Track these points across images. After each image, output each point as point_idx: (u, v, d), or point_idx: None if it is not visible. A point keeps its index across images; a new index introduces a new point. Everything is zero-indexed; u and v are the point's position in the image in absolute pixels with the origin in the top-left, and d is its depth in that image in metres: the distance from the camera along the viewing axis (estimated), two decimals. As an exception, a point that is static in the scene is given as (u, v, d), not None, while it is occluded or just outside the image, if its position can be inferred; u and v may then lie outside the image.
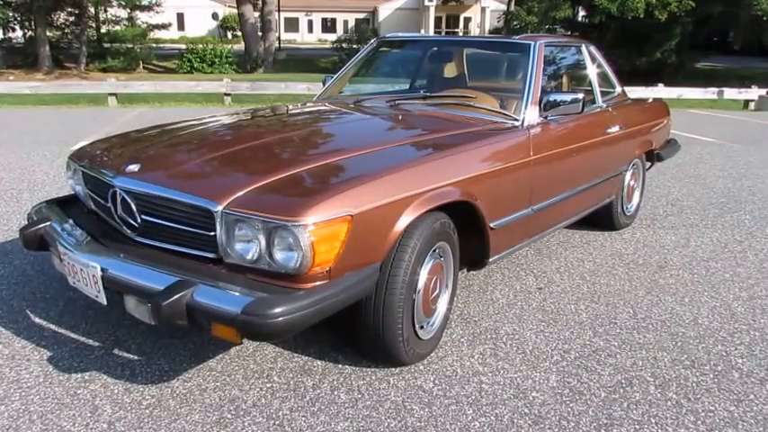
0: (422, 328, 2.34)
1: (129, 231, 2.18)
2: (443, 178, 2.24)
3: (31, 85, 12.99)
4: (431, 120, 2.94)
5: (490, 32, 34.55)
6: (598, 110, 3.63)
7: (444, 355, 2.43)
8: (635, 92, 13.42)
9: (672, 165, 6.50)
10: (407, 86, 3.92)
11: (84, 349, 2.42)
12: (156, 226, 2.08)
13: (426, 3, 37.38)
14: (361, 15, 45.31)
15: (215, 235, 1.90)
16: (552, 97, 2.92)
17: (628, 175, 4.03)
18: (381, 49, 3.91)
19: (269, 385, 2.20)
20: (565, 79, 3.67)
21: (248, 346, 2.46)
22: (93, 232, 2.28)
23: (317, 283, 1.86)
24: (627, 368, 2.39)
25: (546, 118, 2.96)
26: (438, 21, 43.12)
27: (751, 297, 3.13)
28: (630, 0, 19.08)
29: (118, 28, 23.16)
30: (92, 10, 22.13)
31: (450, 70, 3.70)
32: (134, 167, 2.16)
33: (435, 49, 3.90)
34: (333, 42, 26.78)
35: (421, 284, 2.23)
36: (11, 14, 21.46)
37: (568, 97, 2.90)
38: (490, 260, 2.67)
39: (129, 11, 22.78)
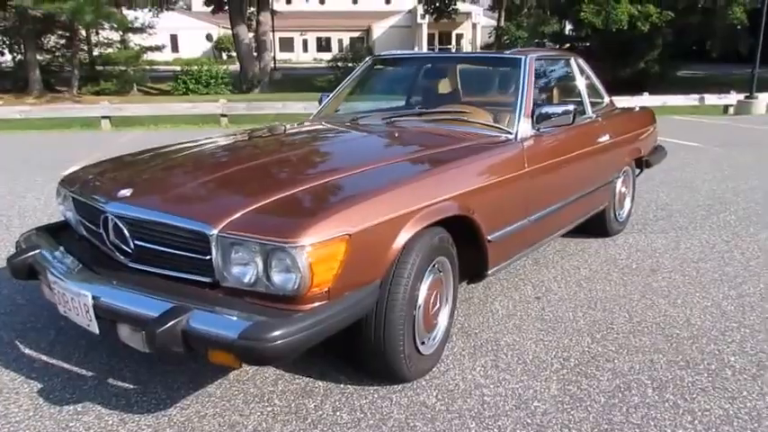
0: (423, 343, 2.40)
1: (122, 257, 2.20)
2: (440, 193, 2.31)
3: (21, 109, 12.95)
4: (426, 136, 3.02)
5: (482, 47, 35.00)
6: (588, 120, 3.74)
7: (446, 369, 2.50)
8: (622, 101, 13.64)
9: (659, 170, 6.61)
10: (403, 103, 4.02)
11: (76, 380, 2.40)
12: (149, 251, 2.10)
13: (419, 20, 37.93)
14: (356, 34, 45.77)
15: (211, 259, 1.92)
16: (544, 110, 3.01)
17: (619, 183, 4.13)
18: (376, 67, 4.01)
19: (269, 409, 2.23)
20: (555, 91, 3.78)
21: (248, 370, 2.50)
22: (84, 259, 2.28)
23: (317, 303, 1.89)
24: (625, 372, 2.46)
25: (538, 130, 3.05)
26: (431, 37, 43.66)
27: (740, 295, 3.22)
28: (614, 13, 19.49)
29: (111, 50, 23.16)
30: (83, 33, 22.15)
31: (443, 86, 3.80)
32: (126, 192, 2.19)
33: (429, 65, 4.00)
34: (328, 61, 26.96)
35: (421, 300, 2.30)
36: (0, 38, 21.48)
37: (560, 109, 3.00)
38: (489, 272, 2.74)
39: (121, 33, 22.83)
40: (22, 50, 21.49)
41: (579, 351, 2.64)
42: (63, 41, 22.30)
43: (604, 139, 3.67)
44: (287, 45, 42.11)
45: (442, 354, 2.57)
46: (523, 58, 3.26)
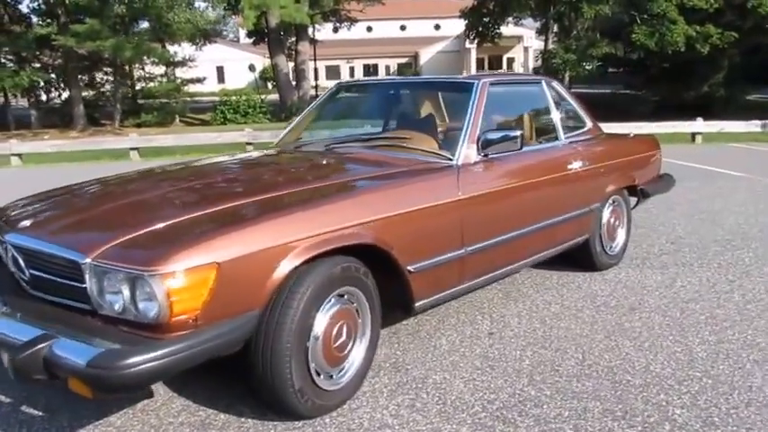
0: (330, 377, 2.28)
1: (25, 285, 2.24)
2: (339, 222, 2.21)
3: (53, 143, 13.73)
4: (357, 162, 2.94)
5: (533, 71, 34.51)
6: (559, 146, 3.54)
7: (358, 407, 2.35)
8: (665, 128, 13.05)
9: (684, 200, 6.23)
10: (364, 128, 3.97)
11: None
12: (41, 279, 2.13)
13: (467, 45, 37.87)
14: (403, 60, 46.05)
15: (86, 287, 1.93)
16: (489, 135, 2.88)
17: (606, 213, 3.87)
18: (340, 94, 3.97)
19: (161, 441, 2.17)
20: (523, 117, 3.60)
21: (157, 400, 2.45)
22: (3, 289, 2.32)
23: (183, 332, 1.85)
24: (549, 420, 2.24)
25: (486, 156, 2.91)
26: (480, 62, 43.42)
27: (719, 341, 2.90)
28: (669, 34, 18.72)
29: (153, 84, 24.20)
30: (126, 68, 23.25)
31: (402, 111, 3.73)
32: (26, 223, 2.25)
33: (388, 91, 3.95)
34: None
35: (318, 331, 2.18)
36: (46, 76, 22.62)
37: (505, 134, 2.86)
38: (418, 305, 2.59)
39: (165, 67, 23.87)
40: (68, 88, 22.63)
41: (509, 393, 2.43)
42: (107, 77, 23.40)
43: (576, 165, 3.45)
44: (333, 73, 42.59)
45: (358, 389, 2.43)
46: (476, 82, 3.13)
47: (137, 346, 1.79)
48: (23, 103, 24.16)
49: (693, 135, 13.19)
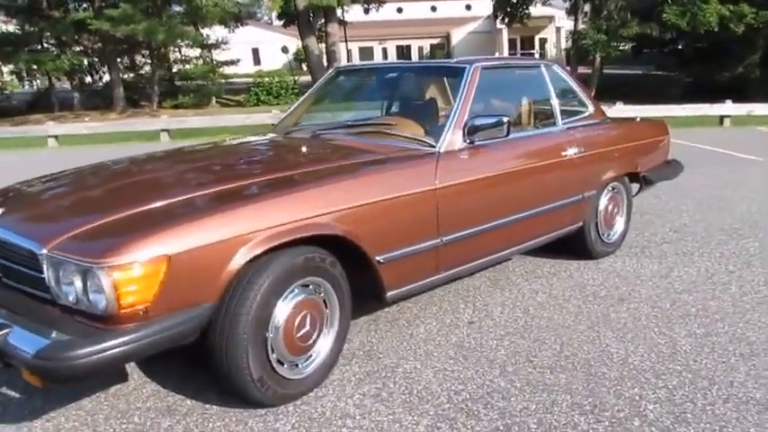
0: (295, 367, 2.28)
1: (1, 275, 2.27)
2: (300, 213, 2.18)
3: (88, 125, 14.18)
4: (337, 150, 2.90)
5: (565, 52, 33.76)
6: (555, 132, 3.45)
7: (323, 395, 2.34)
8: (693, 110, 12.67)
9: (697, 186, 6.04)
10: (359, 113, 3.91)
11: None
12: (9, 269, 2.16)
13: (498, 26, 37.19)
14: (436, 41, 45.49)
15: (44, 278, 1.95)
16: (476, 122, 2.81)
17: (603, 200, 3.77)
18: (340, 78, 3.92)
19: (124, 426, 2.18)
20: (523, 102, 3.51)
21: (129, 384, 2.48)
22: None
23: (133, 324, 1.86)
24: (514, 413, 2.20)
25: (472, 143, 2.84)
26: (512, 43, 42.58)
27: (707, 334, 2.81)
28: (701, 14, 18.11)
29: (189, 66, 24.48)
30: (162, 51, 23.58)
31: (398, 96, 3.66)
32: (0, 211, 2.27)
33: (386, 76, 3.88)
34: None
35: (280, 322, 2.17)
36: (86, 61, 23.28)
37: (492, 120, 2.79)
38: (390, 294, 2.56)
39: (200, 50, 24.10)
40: (108, 71, 23.20)
41: (478, 385, 2.39)
42: (145, 60, 23.83)
43: (570, 152, 3.35)
44: (367, 54, 42.26)
45: (326, 378, 2.42)
46: (467, 67, 3.06)
47: (86, 337, 1.81)
48: (67, 85, 24.71)
49: (721, 118, 12.78)
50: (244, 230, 2.03)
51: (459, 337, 2.81)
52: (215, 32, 24.36)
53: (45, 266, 1.93)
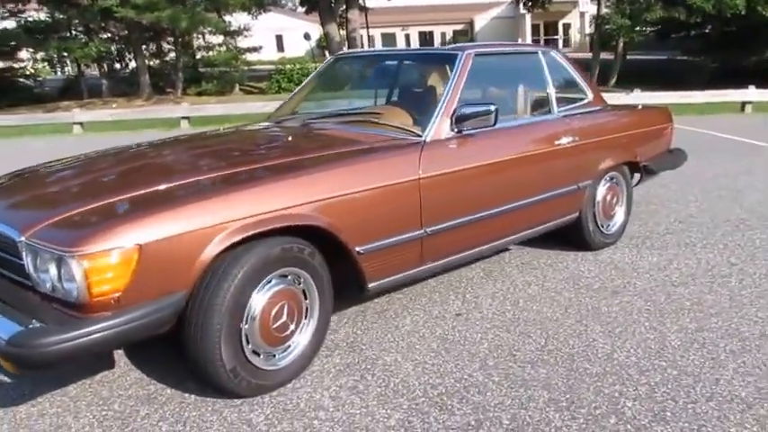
0: (272, 357, 2.28)
1: None
2: (276, 203, 2.17)
3: (112, 112, 14.37)
4: (322, 140, 2.89)
5: (588, 37, 33.12)
6: (549, 120, 3.38)
7: (301, 386, 2.35)
8: (715, 96, 12.33)
9: (708, 175, 5.91)
10: (357, 102, 3.89)
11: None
12: (1, 258, 2.19)
13: (522, 11, 36.66)
14: (459, 27, 44.97)
15: (24, 265, 1.98)
16: (463, 110, 2.77)
17: (601, 190, 3.70)
18: (338, 65, 3.90)
19: (104, 413, 2.22)
20: (518, 90, 3.45)
21: (115, 371, 2.51)
22: None
23: (105, 312, 1.88)
24: (488, 408, 2.18)
25: (460, 132, 2.80)
26: (535, 29, 41.91)
27: (699, 329, 2.74)
28: (728, -4, 17.56)
29: (212, 53, 24.58)
30: (186, 38, 23.72)
31: (393, 84, 3.64)
32: None
33: (381, 63, 3.86)
34: None
35: (256, 312, 2.17)
36: (113, 48, 23.61)
37: (479, 109, 2.75)
38: (372, 286, 2.55)
39: (224, 37, 24.18)
40: (134, 58, 23.47)
41: (456, 378, 2.38)
42: (169, 47, 23.99)
43: (566, 140, 3.29)
44: (389, 41, 41.91)
45: (305, 369, 2.42)
46: (459, 54, 3.01)
47: (60, 325, 1.84)
48: (97, 72, 25.14)
49: (743, 104, 12.45)
50: (216, 221, 2.03)
51: (444, 330, 2.79)
52: (237, 19, 24.36)
53: (24, 254, 1.96)
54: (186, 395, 2.32)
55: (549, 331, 2.76)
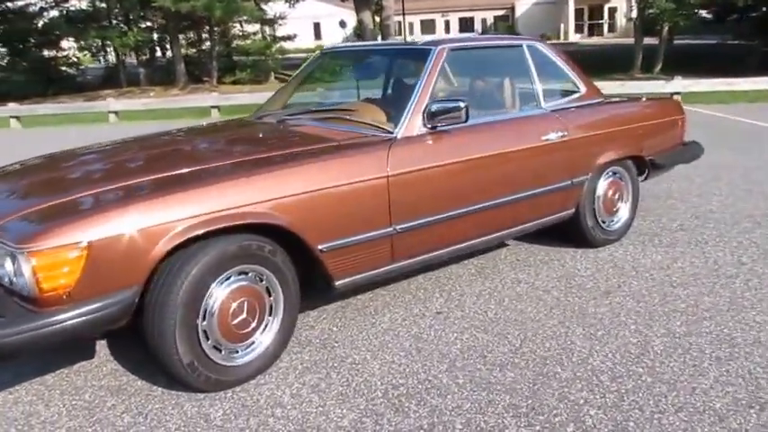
0: (235, 353, 2.30)
1: None
2: (231, 201, 2.18)
3: (144, 101, 14.80)
4: (292, 136, 2.90)
5: (633, 22, 31.96)
6: (536, 115, 3.28)
7: (265, 383, 2.36)
8: (760, 83, 11.65)
9: (739, 168, 5.62)
10: (339, 98, 3.88)
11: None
12: None
13: (564, -6, 35.72)
14: (500, 12, 44.11)
15: None
16: (433, 106, 2.70)
17: (602, 185, 3.56)
18: (324, 60, 3.86)
19: (74, 402, 2.29)
20: (504, 84, 3.34)
21: (94, 362, 2.58)
22: None
23: (57, 307, 1.93)
24: (446, 411, 2.14)
25: (433, 128, 2.74)
26: (579, 13, 40.70)
27: (687, 333, 2.62)
28: (781, -24, 16.60)
29: (247, 42, 24.82)
30: (222, 27, 24.01)
31: (372, 78, 3.62)
32: None
33: (363, 58, 3.84)
34: None
35: (214, 308, 2.19)
36: (153, 36, 24.20)
37: (448, 105, 2.69)
38: (339, 284, 2.54)
39: (260, 25, 24.38)
40: (171, 47, 23.93)
41: (419, 380, 2.34)
42: (205, 36, 24.35)
43: (553, 135, 3.17)
44: (428, 27, 41.51)
45: (270, 366, 2.43)
46: (433, 48, 2.94)
47: (14, 318, 1.91)
48: (135, 61, 25.93)
49: (791, 91, 11.75)
50: (167, 219, 2.05)
51: (420, 329, 2.75)
52: (272, 8, 24.52)
53: None
54: (155, 388, 2.36)
55: (528, 332, 2.68)
